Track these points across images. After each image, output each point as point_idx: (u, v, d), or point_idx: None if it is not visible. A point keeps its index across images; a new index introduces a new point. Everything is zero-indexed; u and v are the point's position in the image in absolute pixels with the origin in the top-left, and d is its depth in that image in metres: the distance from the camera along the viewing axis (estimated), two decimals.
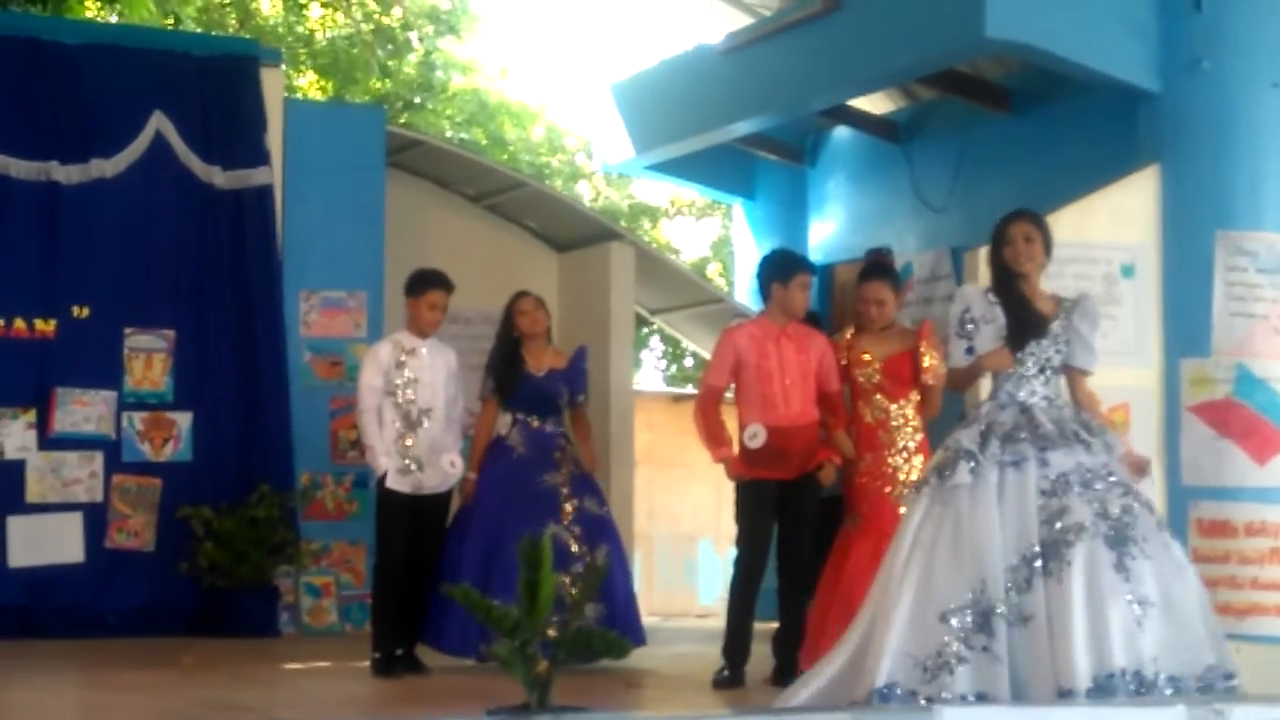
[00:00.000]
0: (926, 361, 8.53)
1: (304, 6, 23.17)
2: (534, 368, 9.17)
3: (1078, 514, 6.13)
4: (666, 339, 25.42)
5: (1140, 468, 6.92)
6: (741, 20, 14.27)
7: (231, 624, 10.74)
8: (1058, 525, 6.13)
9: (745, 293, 14.04)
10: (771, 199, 14.85)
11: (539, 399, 9.16)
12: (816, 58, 11.79)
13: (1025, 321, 6.53)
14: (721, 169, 14.84)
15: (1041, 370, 6.53)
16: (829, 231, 14.07)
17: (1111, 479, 6.31)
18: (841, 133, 14.04)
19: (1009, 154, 12.12)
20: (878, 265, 8.88)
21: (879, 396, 8.53)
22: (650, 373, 26.46)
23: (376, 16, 23.24)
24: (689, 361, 25.78)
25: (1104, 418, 6.70)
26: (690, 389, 18.09)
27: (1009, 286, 6.62)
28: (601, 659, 8.49)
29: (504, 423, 9.19)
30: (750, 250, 14.50)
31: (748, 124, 13.00)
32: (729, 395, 8.65)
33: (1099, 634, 5.93)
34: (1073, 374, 6.65)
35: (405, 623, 8.76)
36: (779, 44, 12.26)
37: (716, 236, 26.51)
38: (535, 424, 9.16)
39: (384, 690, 8.18)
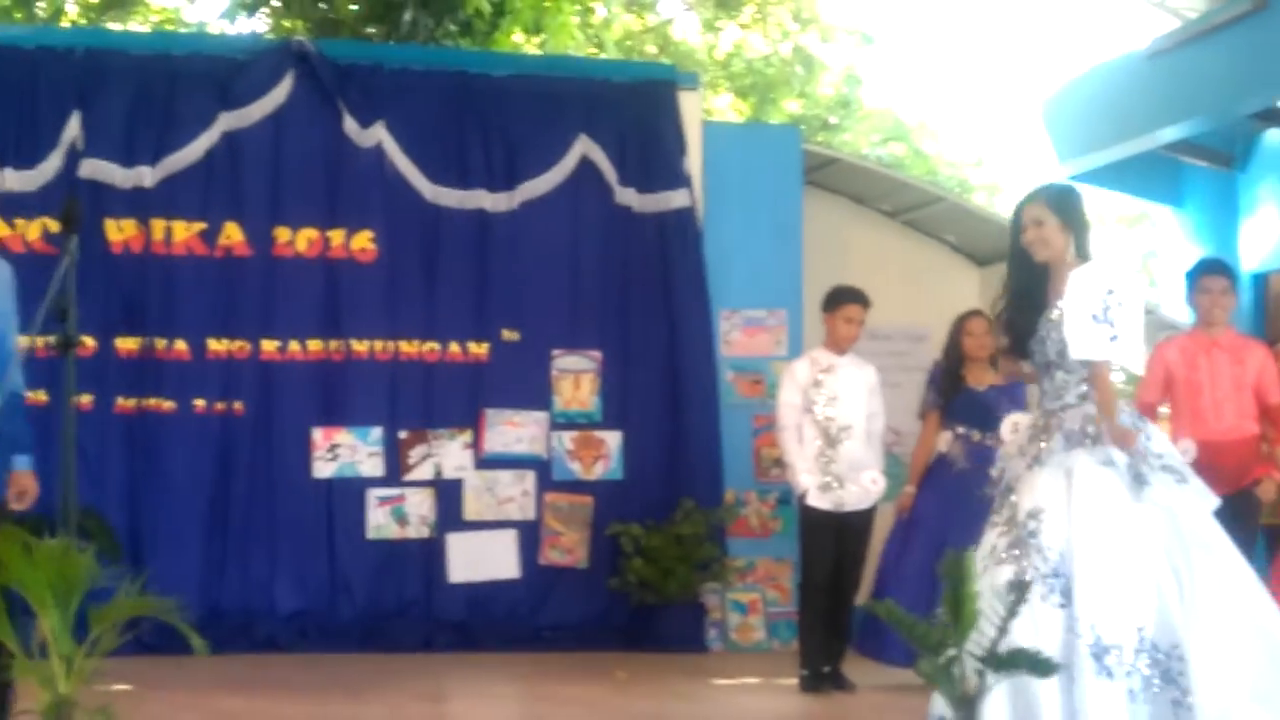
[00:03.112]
0: None
1: (721, 30, 23.48)
2: (974, 383, 9.11)
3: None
4: None
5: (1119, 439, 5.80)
6: (1168, 24, 13.94)
7: (661, 639, 10.87)
8: None
9: (1174, 304, 13.65)
10: (1200, 205, 14.43)
11: (979, 411, 9.05)
12: (1246, 59, 11.42)
13: (1010, 319, 6.02)
14: (1148, 176, 14.50)
15: (1047, 369, 5.94)
16: (1262, 238, 13.57)
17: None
18: (1274, 135, 13.55)
19: None
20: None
21: None
22: None
23: (793, 36, 23.38)
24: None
25: (1106, 410, 5.79)
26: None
27: (1011, 280, 6.08)
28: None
29: (944, 439, 9.13)
30: (1178, 259, 14.10)
31: (1175, 129, 12.67)
32: None
33: None
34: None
35: (832, 640, 8.77)
36: (1206, 46, 11.92)
37: (1147, 247, 25.86)
38: (976, 438, 9.06)
39: (812, 707, 8.21)
